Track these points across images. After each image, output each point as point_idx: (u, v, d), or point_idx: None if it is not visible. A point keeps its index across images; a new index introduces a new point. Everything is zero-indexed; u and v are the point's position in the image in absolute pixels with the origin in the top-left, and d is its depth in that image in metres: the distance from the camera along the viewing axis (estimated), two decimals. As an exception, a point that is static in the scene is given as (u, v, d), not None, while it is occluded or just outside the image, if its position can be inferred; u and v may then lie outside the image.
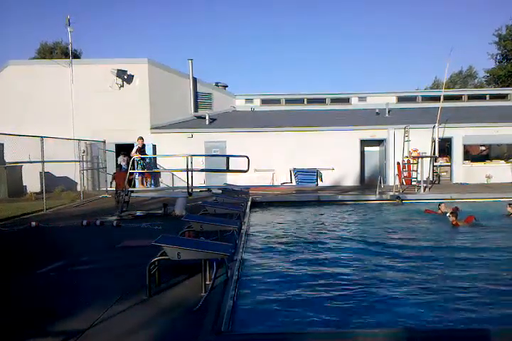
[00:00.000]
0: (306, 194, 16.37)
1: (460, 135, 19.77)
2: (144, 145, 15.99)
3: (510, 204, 11.99)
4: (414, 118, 20.03)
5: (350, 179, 19.69)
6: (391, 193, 15.80)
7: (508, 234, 10.13)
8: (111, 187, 14.28)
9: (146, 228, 9.65)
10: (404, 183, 17.93)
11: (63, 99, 18.89)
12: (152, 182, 17.85)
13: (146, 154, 15.23)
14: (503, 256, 7.91)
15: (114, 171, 12.07)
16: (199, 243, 5.84)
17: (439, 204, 12.89)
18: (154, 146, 18.67)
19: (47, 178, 13.43)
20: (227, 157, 18.12)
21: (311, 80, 73.54)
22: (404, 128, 18.67)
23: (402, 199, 15.26)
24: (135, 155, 13.33)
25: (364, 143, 20.17)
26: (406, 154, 18.49)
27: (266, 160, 18.48)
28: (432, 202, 14.24)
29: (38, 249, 7.80)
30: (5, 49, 58.38)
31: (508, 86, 32.39)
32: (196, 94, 21.62)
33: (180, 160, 17.54)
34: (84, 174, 17.27)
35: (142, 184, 14.24)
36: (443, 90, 20.35)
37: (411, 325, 4.82)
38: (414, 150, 18.92)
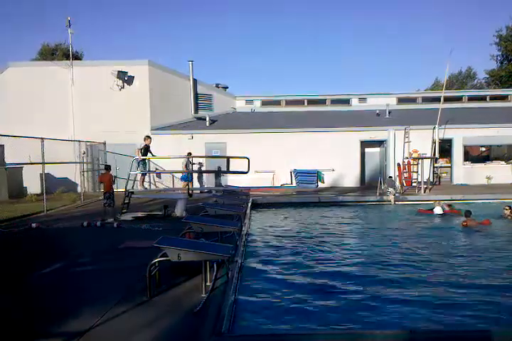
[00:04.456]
0: (307, 195, 16.36)
1: (460, 136, 19.78)
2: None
3: (510, 206, 11.88)
4: (414, 120, 20.03)
5: (351, 180, 19.69)
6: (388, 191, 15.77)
7: (504, 235, 10.12)
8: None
9: (146, 229, 9.65)
10: (405, 184, 17.95)
11: (64, 101, 18.92)
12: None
13: (151, 154, 14.97)
14: (497, 257, 7.94)
15: (103, 172, 11.89)
16: (199, 244, 5.85)
17: (449, 205, 13.00)
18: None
19: (47, 179, 13.44)
20: (228, 158, 18.19)
21: (311, 81, 73.59)
22: (405, 129, 18.68)
23: (396, 198, 15.28)
24: (137, 153, 13.18)
25: (364, 144, 20.18)
26: (406, 155, 18.51)
27: (266, 161, 18.49)
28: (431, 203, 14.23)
29: (39, 250, 7.80)
30: (6, 50, 58.47)
31: (509, 87, 32.35)
32: (196, 96, 21.65)
33: (181, 161, 17.62)
34: (85, 175, 17.28)
35: (142, 185, 14.15)
36: (443, 91, 20.36)
37: (411, 326, 4.81)
38: (415, 151, 18.93)
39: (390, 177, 17.76)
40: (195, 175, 18.08)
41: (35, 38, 65.82)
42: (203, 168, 19.15)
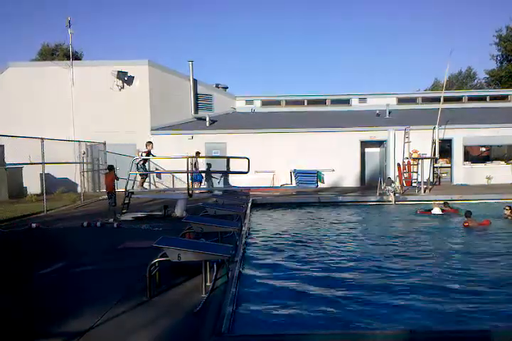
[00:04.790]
0: (306, 195, 16.35)
1: (460, 136, 19.78)
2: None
3: (510, 206, 11.86)
4: (414, 120, 20.03)
5: (351, 180, 19.69)
6: (388, 189, 15.77)
7: (504, 236, 10.11)
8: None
9: (146, 229, 9.65)
10: (405, 184, 17.94)
11: (64, 101, 18.91)
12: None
13: (147, 160, 14.92)
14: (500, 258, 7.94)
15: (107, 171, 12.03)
16: (199, 244, 5.85)
17: (445, 203, 13.09)
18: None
19: (47, 180, 13.44)
20: (228, 158, 18.20)
21: (311, 81, 73.62)
22: (405, 129, 18.67)
23: (396, 198, 15.31)
24: (138, 154, 13.14)
25: (364, 144, 20.18)
26: (406, 155, 18.50)
27: (266, 161, 18.48)
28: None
29: (39, 251, 7.79)
30: (6, 51, 58.48)
31: (509, 87, 32.36)
32: (196, 96, 21.65)
33: (181, 161, 17.61)
34: (85, 175, 17.28)
35: (142, 186, 14.13)
36: (443, 91, 20.36)
37: (411, 326, 4.81)
38: (415, 152, 18.93)
39: (389, 178, 17.74)
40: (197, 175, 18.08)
41: (35, 38, 65.91)
42: (211, 169, 19.14)
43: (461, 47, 63.32)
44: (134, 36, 75.10)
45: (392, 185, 16.21)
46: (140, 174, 13.39)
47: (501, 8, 62.57)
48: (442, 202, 13.40)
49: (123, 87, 19.27)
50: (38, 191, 15.57)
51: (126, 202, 11.54)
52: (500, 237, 9.86)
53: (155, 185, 19.20)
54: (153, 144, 13.68)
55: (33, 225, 9.89)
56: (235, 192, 15.22)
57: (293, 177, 17.39)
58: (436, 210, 12.69)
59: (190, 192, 11.73)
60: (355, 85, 68.91)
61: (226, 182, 19.37)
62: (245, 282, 6.19)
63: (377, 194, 15.82)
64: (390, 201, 15.22)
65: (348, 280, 6.57)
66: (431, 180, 18.67)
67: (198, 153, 17.28)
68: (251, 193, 15.76)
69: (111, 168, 12.03)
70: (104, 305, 4.76)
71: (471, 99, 24.26)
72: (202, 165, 18.45)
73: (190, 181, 16.90)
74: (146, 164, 14.39)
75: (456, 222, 11.69)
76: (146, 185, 16.67)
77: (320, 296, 5.83)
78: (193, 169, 16.71)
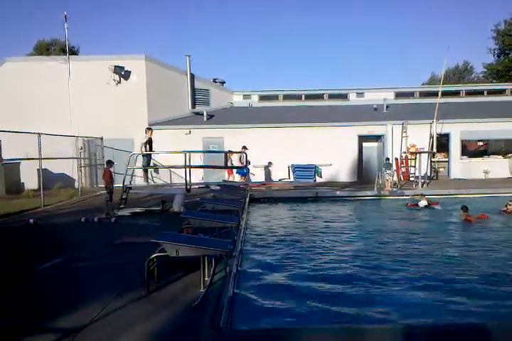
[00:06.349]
0: (304, 190, 16.37)
1: (458, 130, 19.78)
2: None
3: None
4: (412, 114, 20.03)
5: (348, 174, 19.70)
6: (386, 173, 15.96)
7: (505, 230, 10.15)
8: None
9: (144, 224, 9.64)
10: (402, 179, 17.97)
11: (60, 96, 18.81)
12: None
13: (152, 148, 14.73)
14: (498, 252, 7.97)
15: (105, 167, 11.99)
16: (197, 239, 5.85)
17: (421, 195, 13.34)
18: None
19: (44, 175, 13.40)
20: (226, 153, 18.15)
21: (308, 76, 73.40)
22: (402, 123, 18.67)
23: (393, 193, 15.45)
24: (141, 148, 12.89)
25: (362, 138, 20.15)
26: (404, 150, 18.52)
27: (264, 156, 18.46)
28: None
29: (36, 246, 7.78)
30: (2, 45, 58.10)
31: (506, 81, 32.36)
32: (194, 91, 21.58)
33: (178, 156, 17.55)
34: (82, 171, 17.22)
35: (147, 181, 13.98)
36: (441, 86, 20.33)
37: (410, 321, 4.83)
38: (412, 146, 18.94)
39: (388, 162, 17.55)
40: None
41: (31, 33, 65.46)
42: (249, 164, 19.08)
43: (459, 40, 63.18)
44: (131, 31, 74.67)
45: (392, 168, 16.35)
46: (143, 166, 13.15)
47: (500, 2, 62.36)
48: (419, 195, 13.64)
49: (120, 82, 19.18)
50: (36, 186, 15.51)
51: (123, 197, 11.51)
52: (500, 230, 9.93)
53: (153, 180, 19.14)
54: (153, 131, 13.38)
55: (31, 221, 9.86)
56: (232, 187, 15.19)
57: (291, 172, 17.40)
58: (423, 203, 13.07)
59: (188, 187, 11.71)
60: (353, 79, 68.77)
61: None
62: (243, 276, 6.20)
63: (375, 188, 15.85)
64: (387, 190, 15.31)
65: (347, 273, 6.60)
66: (428, 174, 18.71)
67: (244, 148, 17.22)
68: (248, 188, 15.76)
69: (107, 162, 12.03)
70: (103, 300, 4.77)
71: (468, 93, 24.27)
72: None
73: (237, 175, 17.15)
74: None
75: (454, 216, 11.72)
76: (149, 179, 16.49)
77: (319, 290, 5.85)
78: (240, 163, 16.77)
